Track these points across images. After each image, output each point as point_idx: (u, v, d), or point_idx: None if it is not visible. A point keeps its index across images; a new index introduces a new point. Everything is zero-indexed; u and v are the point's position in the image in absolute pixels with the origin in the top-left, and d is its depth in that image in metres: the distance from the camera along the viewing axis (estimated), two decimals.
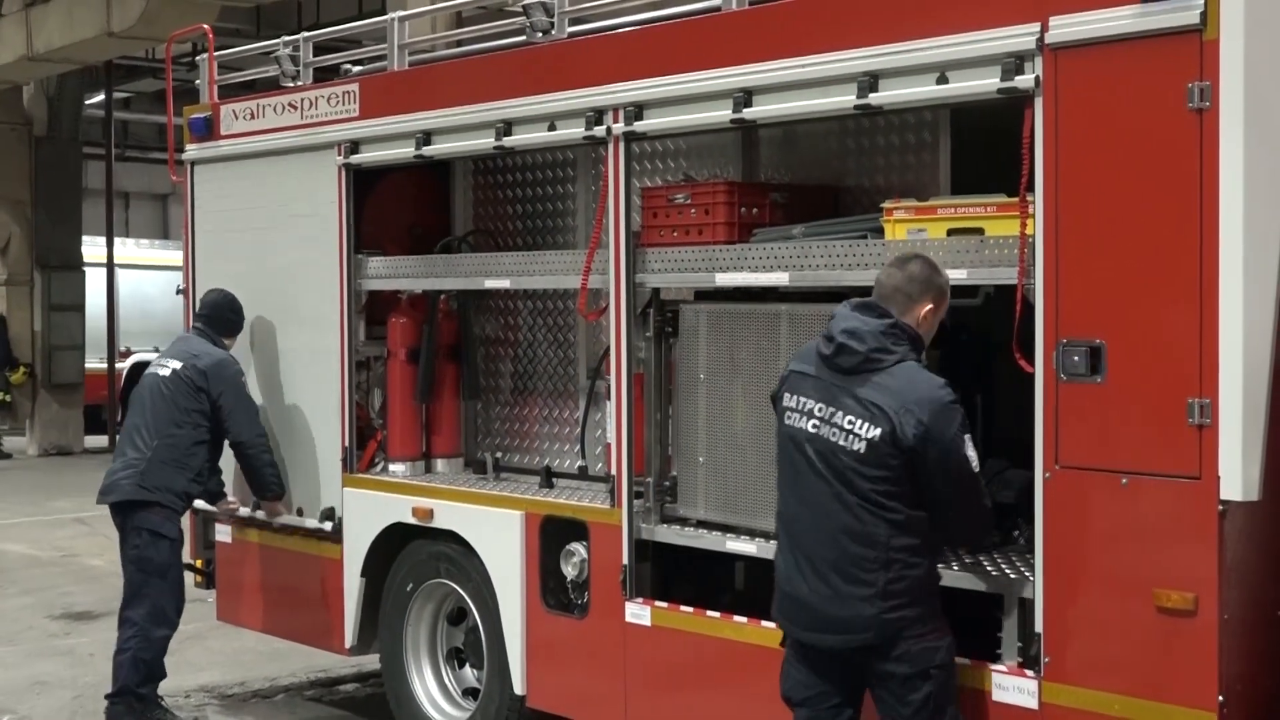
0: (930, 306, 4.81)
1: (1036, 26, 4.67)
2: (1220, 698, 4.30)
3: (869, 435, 4.63)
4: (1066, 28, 4.61)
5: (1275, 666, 4.44)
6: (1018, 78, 4.71)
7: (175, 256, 21.74)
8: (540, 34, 6.53)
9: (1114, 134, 4.53)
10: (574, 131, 6.12)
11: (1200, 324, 4.32)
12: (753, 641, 5.53)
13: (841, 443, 4.68)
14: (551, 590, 6.31)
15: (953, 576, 5.05)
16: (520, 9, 6.66)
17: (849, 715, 4.88)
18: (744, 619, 5.60)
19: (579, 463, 6.85)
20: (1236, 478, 4.28)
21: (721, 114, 5.60)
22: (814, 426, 4.75)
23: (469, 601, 6.80)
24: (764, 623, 5.49)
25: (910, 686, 4.68)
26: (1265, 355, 4.31)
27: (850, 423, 4.67)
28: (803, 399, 4.81)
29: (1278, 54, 4.34)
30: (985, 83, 4.82)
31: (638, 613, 5.96)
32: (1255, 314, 4.29)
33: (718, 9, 5.86)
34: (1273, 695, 4.42)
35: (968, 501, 4.73)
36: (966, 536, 5.02)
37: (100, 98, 25.33)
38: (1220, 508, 4.30)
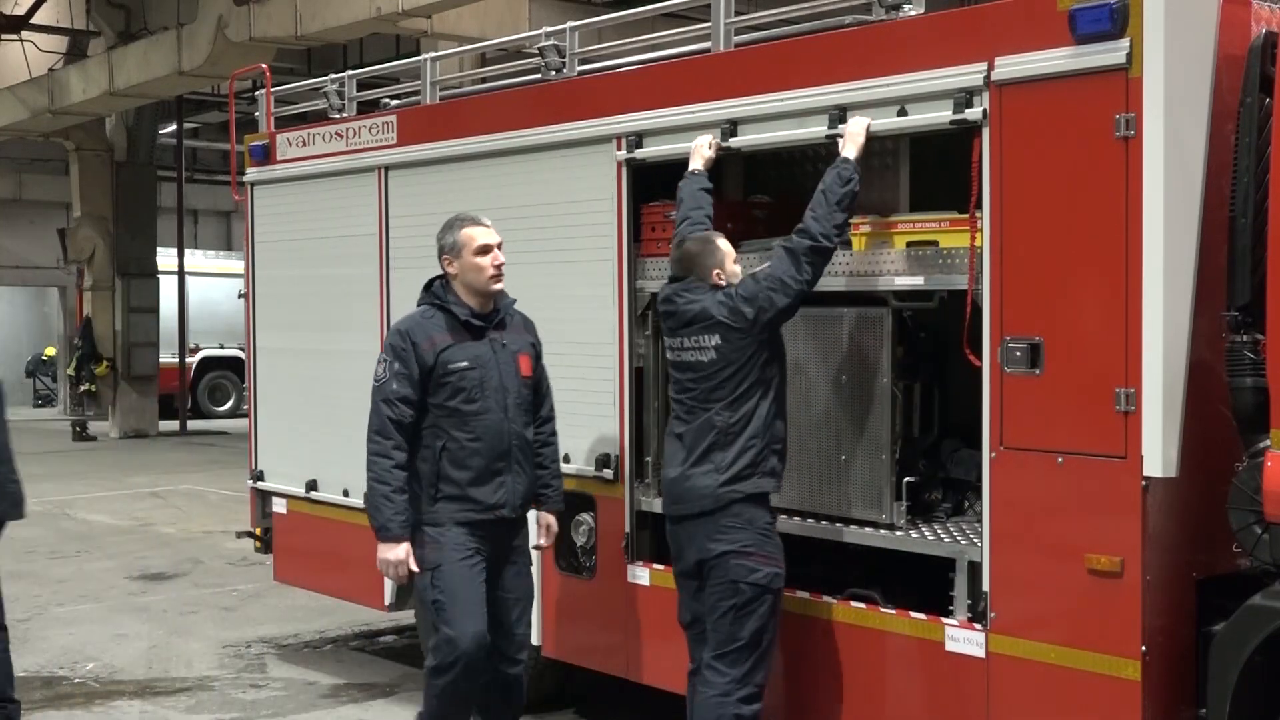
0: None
1: (984, 65, 4.67)
2: (1143, 648, 4.31)
3: None
4: (1010, 67, 4.61)
5: (1191, 621, 4.43)
6: (967, 110, 4.72)
7: (237, 265, 21.92)
8: (554, 72, 6.55)
9: (1051, 159, 4.54)
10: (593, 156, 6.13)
11: (1126, 323, 4.33)
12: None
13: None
14: (564, 554, 6.31)
15: (911, 542, 5.07)
16: (536, 50, 6.68)
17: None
18: None
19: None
20: (1157, 457, 4.28)
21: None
22: None
23: None
24: None
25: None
26: (1182, 350, 4.31)
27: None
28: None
29: (1191, 90, 4.34)
30: (939, 115, 4.83)
31: (638, 574, 5.96)
32: (1173, 314, 4.29)
33: (708, 50, 5.87)
34: (1189, 646, 4.41)
35: None
36: None
37: (172, 127, 25.35)
38: (1143, 483, 4.31)
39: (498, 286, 5.31)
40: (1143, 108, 4.28)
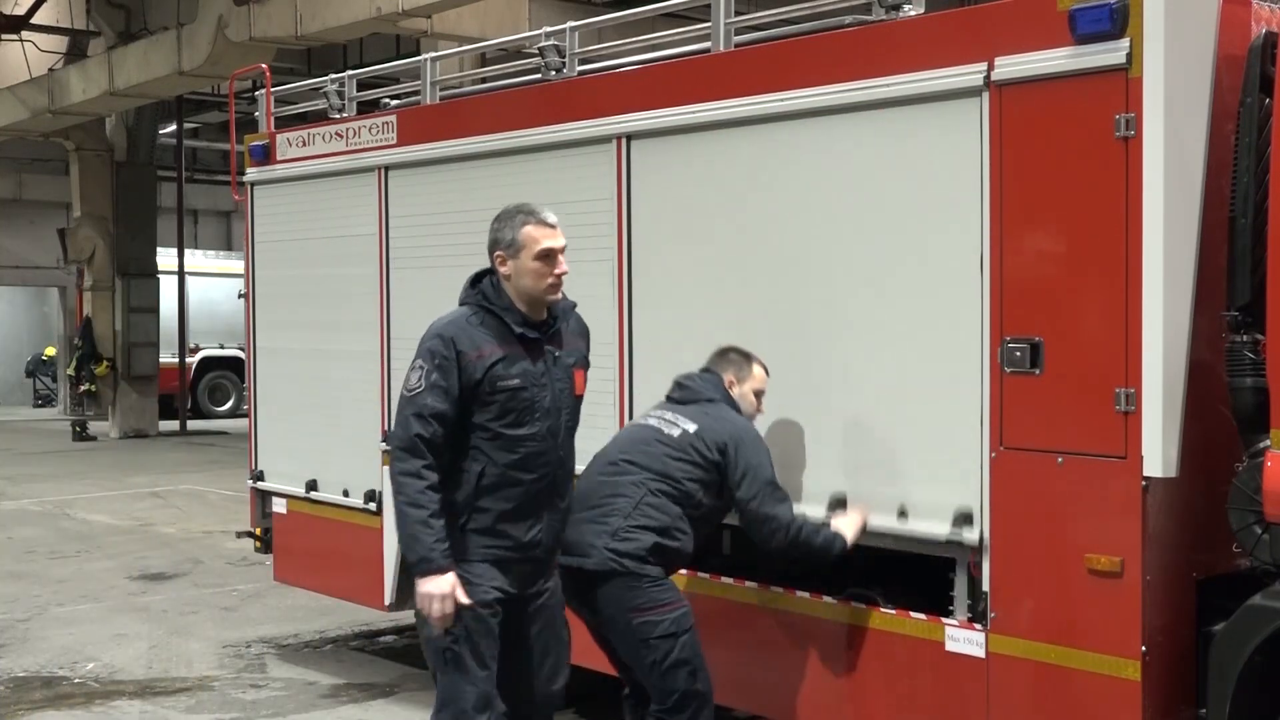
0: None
1: (984, 66, 4.67)
2: (1143, 648, 4.31)
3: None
4: (1010, 67, 4.61)
5: (1191, 621, 4.44)
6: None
7: (237, 265, 21.88)
8: (554, 72, 6.55)
9: (1050, 159, 4.54)
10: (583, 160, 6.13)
11: (1126, 323, 4.33)
12: (735, 599, 5.55)
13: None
14: None
15: (911, 542, 5.06)
16: (536, 50, 6.68)
17: None
18: (730, 579, 5.62)
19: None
20: (1157, 457, 4.29)
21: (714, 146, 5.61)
22: None
23: None
24: (746, 583, 5.51)
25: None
26: (1182, 350, 4.31)
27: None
28: None
29: (1191, 90, 4.34)
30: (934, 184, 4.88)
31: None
32: (1173, 314, 4.29)
33: (708, 50, 5.87)
34: (1189, 646, 4.42)
35: None
36: None
37: (172, 127, 25.35)
38: (1143, 483, 4.31)
39: (554, 298, 4.60)
40: (1143, 108, 4.29)
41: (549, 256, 4.52)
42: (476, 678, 4.49)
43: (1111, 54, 4.34)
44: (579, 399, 4.72)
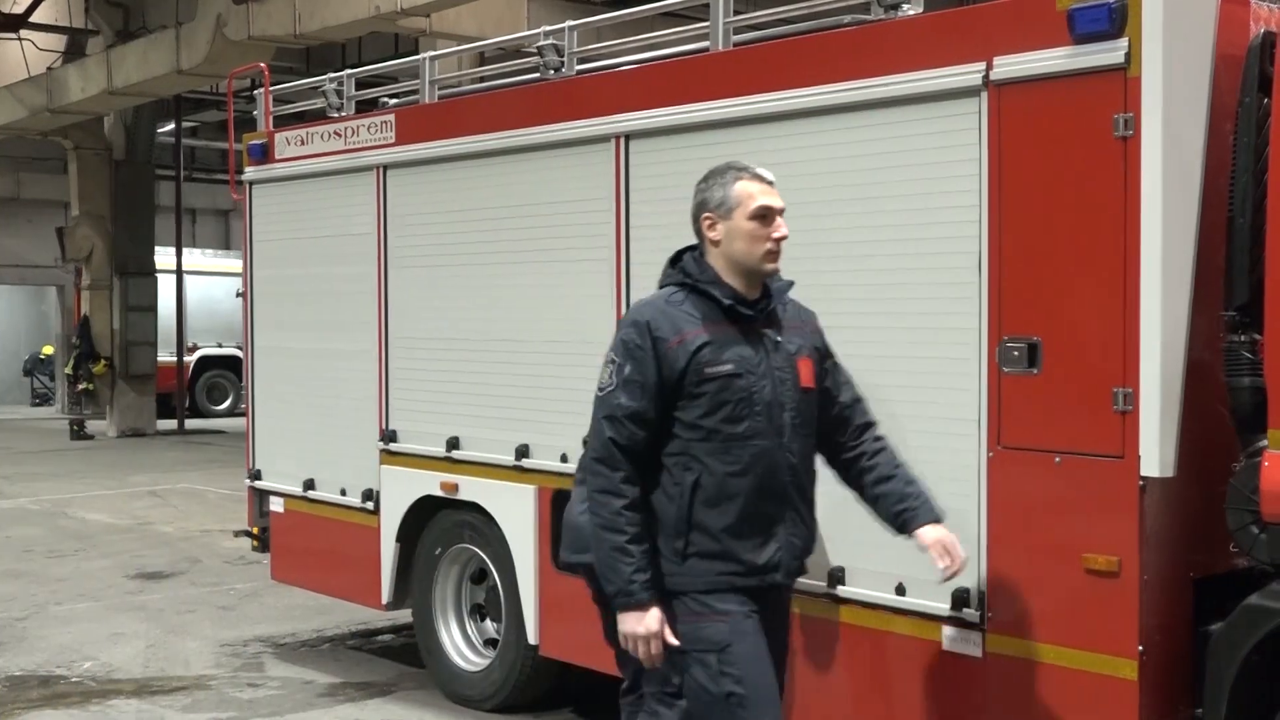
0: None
1: (982, 65, 4.67)
2: (1140, 648, 4.32)
3: None
4: (1008, 66, 4.61)
5: (1188, 621, 4.44)
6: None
7: (235, 264, 21.83)
8: (552, 71, 6.55)
9: (1049, 158, 4.54)
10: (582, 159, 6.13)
11: (1124, 322, 4.33)
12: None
13: None
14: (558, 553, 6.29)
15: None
16: (535, 50, 6.68)
17: None
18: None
19: None
20: (1155, 457, 4.29)
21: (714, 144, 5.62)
22: None
23: (489, 563, 6.80)
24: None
25: None
26: (1180, 350, 4.32)
27: None
28: None
29: (1189, 90, 4.35)
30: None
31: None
32: (1171, 314, 4.30)
33: (706, 50, 5.87)
34: (1186, 646, 4.42)
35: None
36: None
37: (170, 126, 25.39)
38: (1141, 483, 4.31)
39: (772, 267, 3.93)
40: (1141, 107, 4.29)
41: (766, 216, 3.88)
42: (768, 710, 3.84)
43: (1110, 54, 4.34)
44: (807, 391, 3.97)
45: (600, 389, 3.89)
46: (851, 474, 4.17)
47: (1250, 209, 4.30)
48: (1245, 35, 4.43)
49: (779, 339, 3.92)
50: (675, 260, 4.02)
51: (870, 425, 4.21)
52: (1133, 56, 4.30)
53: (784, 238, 3.90)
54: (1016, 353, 4.59)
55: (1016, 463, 4.63)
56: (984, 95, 4.67)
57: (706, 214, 3.93)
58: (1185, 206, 4.34)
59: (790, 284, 4.04)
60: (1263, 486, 4.18)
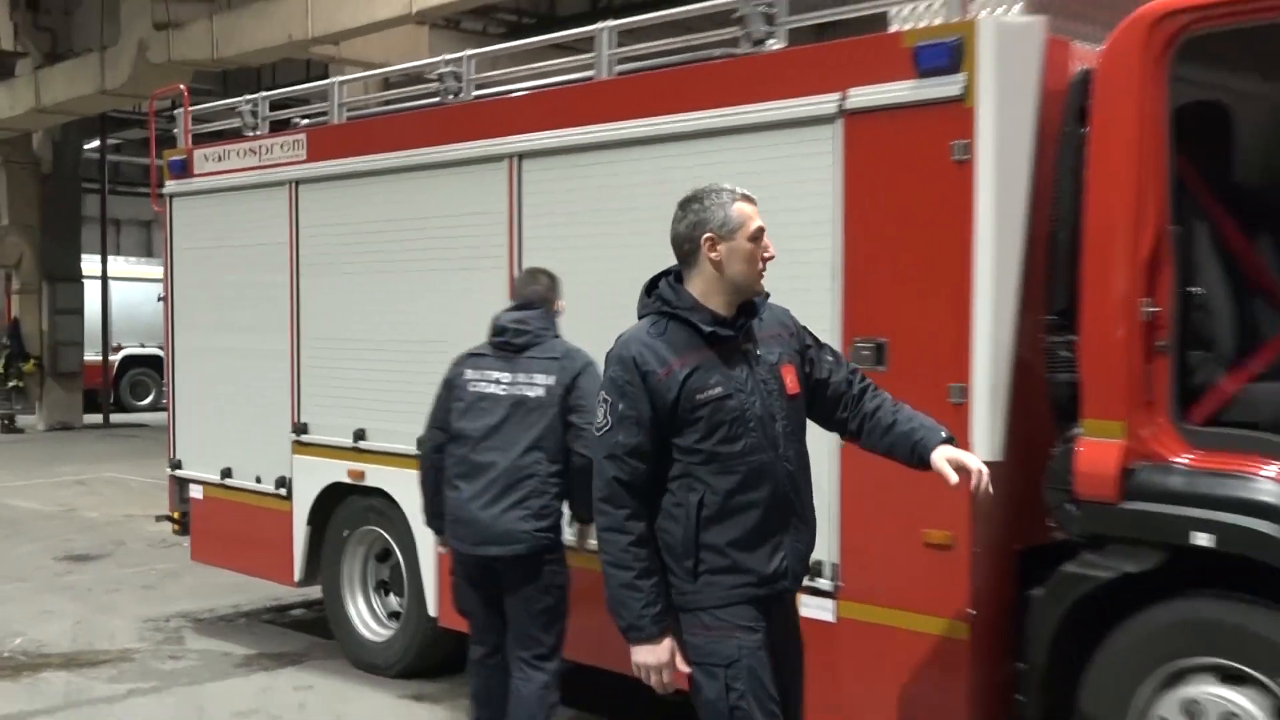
0: (563, 301, 5.12)
1: (838, 95, 4.73)
2: (971, 610, 4.41)
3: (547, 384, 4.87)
4: (861, 96, 4.68)
5: (1013, 586, 4.53)
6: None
7: (157, 271, 21.44)
8: (451, 96, 6.51)
9: (895, 178, 4.61)
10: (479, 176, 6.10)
11: (959, 325, 4.42)
12: None
13: (527, 395, 4.88)
14: None
15: None
16: (436, 76, 6.64)
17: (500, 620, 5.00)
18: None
19: None
20: (985, 443, 4.38)
21: (598, 165, 5.62)
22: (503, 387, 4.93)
23: (393, 543, 6.75)
24: None
25: (537, 598, 4.84)
26: (1007, 350, 4.41)
27: (531, 380, 4.89)
28: (488, 372, 4.98)
29: (1018, 119, 4.44)
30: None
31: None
32: (1000, 318, 4.39)
33: (592, 78, 5.88)
34: (1010, 608, 4.50)
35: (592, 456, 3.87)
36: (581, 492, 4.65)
37: (96, 143, 24.75)
38: None
39: (761, 285, 3.67)
40: (976, 135, 4.37)
41: (759, 237, 3.60)
42: None
43: (949, 87, 4.42)
44: (794, 398, 3.67)
45: (597, 429, 3.60)
46: (862, 439, 3.86)
47: (1069, 225, 4.39)
48: (1066, 72, 4.53)
49: (759, 353, 3.62)
50: (650, 288, 3.69)
51: (864, 392, 3.84)
52: (969, 90, 4.38)
53: (772, 257, 3.66)
54: (866, 352, 4.66)
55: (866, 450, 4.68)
56: (839, 122, 4.73)
57: (708, 234, 3.56)
58: (1013, 223, 4.43)
59: (767, 295, 3.72)
60: (1076, 469, 4.29)
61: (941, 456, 3.69)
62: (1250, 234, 4.60)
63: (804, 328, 3.82)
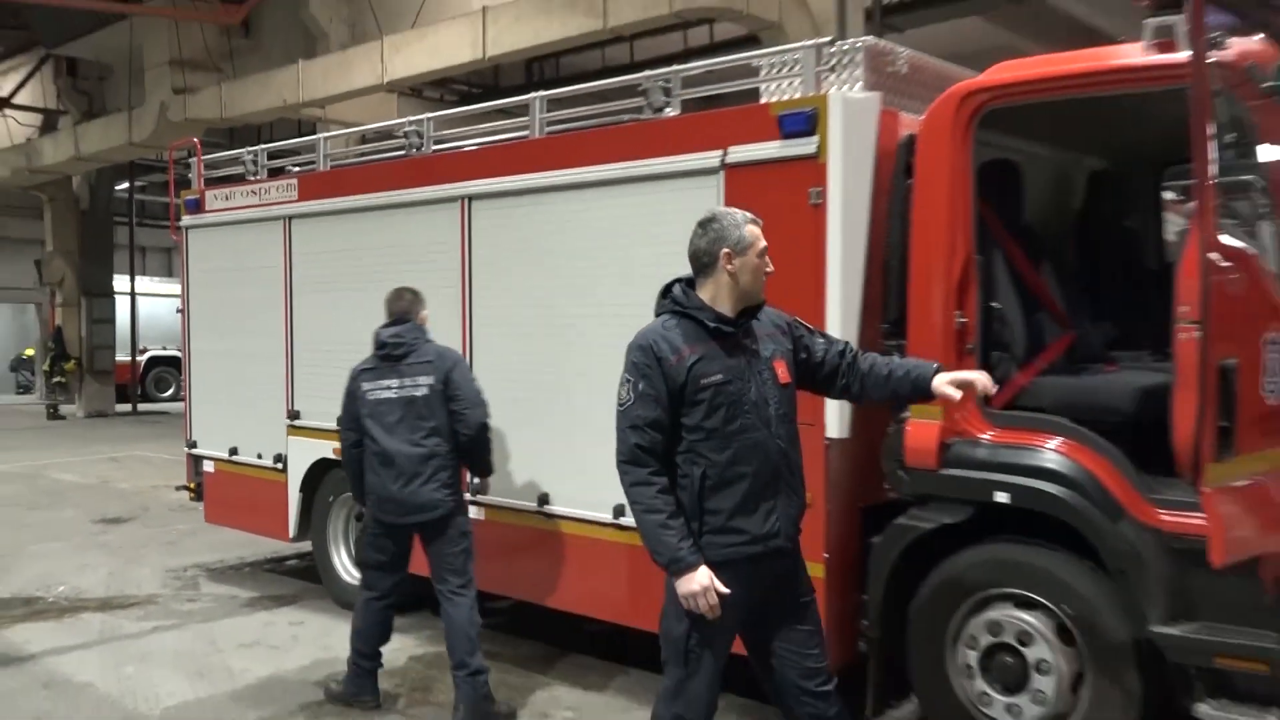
0: (426, 311, 5.20)
1: (720, 152, 4.74)
2: (826, 554, 4.44)
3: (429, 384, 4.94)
4: (738, 153, 4.69)
5: (859, 536, 4.57)
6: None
7: (176, 288, 20.95)
8: (415, 149, 6.43)
9: (765, 218, 4.53)
10: (437, 214, 6.02)
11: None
12: (542, 527, 5.53)
13: (415, 395, 4.95)
14: None
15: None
16: (403, 134, 6.55)
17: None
18: (540, 514, 5.56)
19: None
20: (835, 424, 4.42)
21: (532, 205, 5.57)
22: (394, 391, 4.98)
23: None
24: (548, 513, 5.47)
25: (455, 543, 4.99)
26: None
27: (415, 382, 4.96)
28: (380, 381, 5.03)
29: (860, 173, 4.48)
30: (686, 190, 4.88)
31: (475, 512, 5.86)
32: (848, 325, 4.42)
33: (527, 136, 5.84)
34: (856, 552, 4.55)
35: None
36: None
37: (125, 184, 24.07)
38: (826, 442, 4.43)
39: (762, 293, 3.55)
40: (828, 184, 4.41)
41: (764, 254, 3.51)
42: (710, 685, 3.41)
43: (807, 146, 4.45)
44: (785, 387, 3.49)
45: (620, 405, 3.40)
46: (866, 395, 3.62)
47: (899, 254, 4.45)
48: (896, 136, 4.59)
49: (756, 348, 3.46)
50: (665, 293, 3.56)
51: (855, 361, 3.61)
52: (822, 148, 4.41)
53: (772, 272, 3.52)
54: None
55: None
56: (721, 173, 4.74)
57: (725, 249, 3.44)
58: (857, 252, 4.47)
59: (763, 302, 3.57)
60: (906, 443, 4.35)
61: (941, 382, 3.50)
62: (1035, 262, 4.70)
63: (796, 321, 3.64)
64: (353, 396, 5.10)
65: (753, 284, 3.47)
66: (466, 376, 5.01)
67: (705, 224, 3.50)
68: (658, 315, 3.55)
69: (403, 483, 4.93)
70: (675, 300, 3.50)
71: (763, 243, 3.50)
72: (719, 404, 3.34)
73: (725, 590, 3.28)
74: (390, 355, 5.03)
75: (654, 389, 3.35)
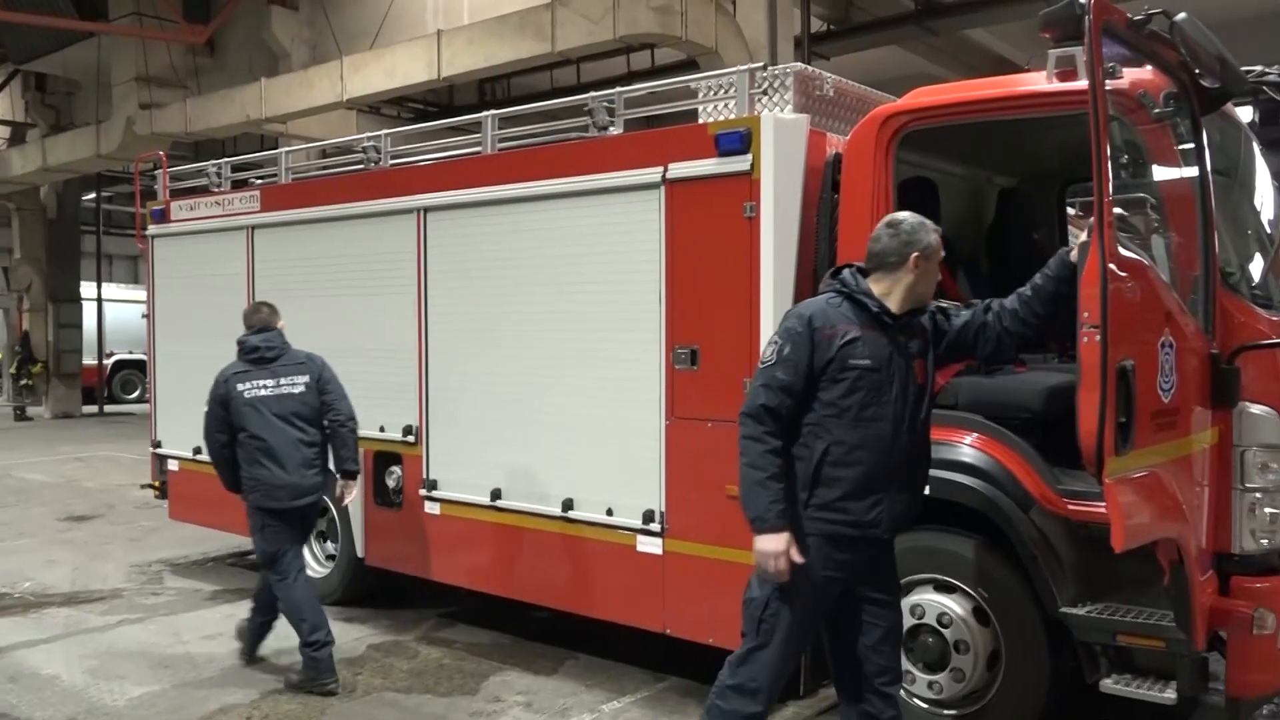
0: (283, 321, 5.43)
1: (661, 168, 4.75)
2: None
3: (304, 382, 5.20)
4: (678, 169, 4.71)
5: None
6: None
7: (141, 294, 20.58)
8: (373, 164, 6.36)
9: (703, 229, 4.65)
10: (394, 225, 5.96)
11: (750, 337, 4.47)
12: (494, 521, 5.50)
13: (293, 391, 5.18)
14: (380, 494, 6.14)
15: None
16: (361, 149, 6.48)
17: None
18: (493, 508, 5.53)
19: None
20: None
21: (485, 217, 5.54)
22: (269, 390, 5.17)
23: (329, 502, 6.53)
24: (500, 507, 5.44)
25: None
26: None
27: (293, 381, 5.20)
28: (255, 381, 5.20)
29: (790, 188, 4.51)
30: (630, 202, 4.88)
31: (431, 507, 5.84)
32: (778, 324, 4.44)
33: (479, 152, 5.80)
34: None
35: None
36: None
37: (92, 195, 23.53)
38: None
39: (931, 297, 3.42)
40: (760, 198, 4.43)
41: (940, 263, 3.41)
42: (779, 660, 3.27)
43: (741, 163, 4.48)
44: (921, 387, 3.36)
45: (762, 362, 3.30)
46: (1028, 326, 3.39)
47: (827, 262, 4.47)
48: (823, 155, 4.63)
49: (909, 346, 3.33)
50: (836, 274, 3.42)
51: (986, 318, 3.42)
52: (755, 165, 4.44)
53: (940, 279, 3.38)
54: (684, 356, 4.69)
55: (684, 428, 4.72)
56: (662, 188, 4.75)
57: (917, 254, 3.30)
58: (787, 261, 4.49)
59: (927, 307, 3.40)
60: None
61: (1068, 253, 3.32)
62: (952, 271, 4.77)
63: (935, 309, 3.44)
64: (224, 400, 5.19)
65: (928, 289, 3.35)
66: (335, 375, 5.32)
67: (896, 225, 3.35)
68: (822, 293, 3.41)
69: (290, 469, 5.11)
70: (844, 282, 3.36)
71: (943, 252, 3.38)
72: (860, 386, 3.21)
73: (800, 559, 3.18)
74: (263, 358, 5.23)
75: (797, 356, 3.22)
